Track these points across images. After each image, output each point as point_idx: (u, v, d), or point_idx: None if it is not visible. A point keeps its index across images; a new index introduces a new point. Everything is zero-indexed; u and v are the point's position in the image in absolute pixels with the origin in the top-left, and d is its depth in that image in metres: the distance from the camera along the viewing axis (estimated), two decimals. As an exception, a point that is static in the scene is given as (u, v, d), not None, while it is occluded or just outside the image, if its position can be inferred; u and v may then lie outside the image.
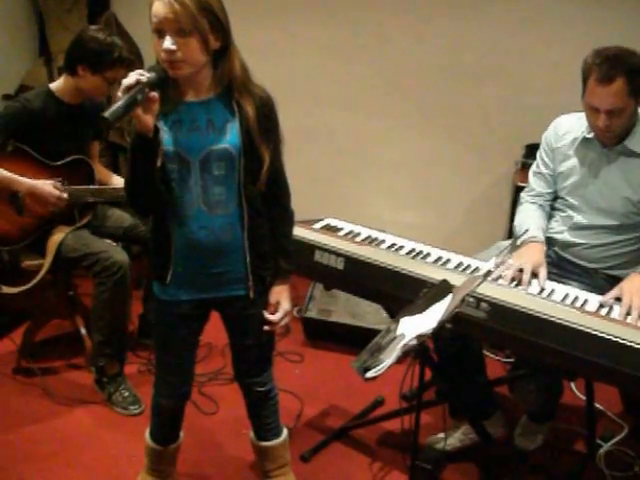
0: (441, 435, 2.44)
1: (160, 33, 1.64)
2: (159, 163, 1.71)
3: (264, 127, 1.78)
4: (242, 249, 1.84)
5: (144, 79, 1.60)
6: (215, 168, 1.76)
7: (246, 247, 1.84)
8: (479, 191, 3.56)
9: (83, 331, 2.94)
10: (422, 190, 3.81)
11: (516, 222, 2.42)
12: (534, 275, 2.11)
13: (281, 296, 1.95)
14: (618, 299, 1.99)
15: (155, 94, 1.63)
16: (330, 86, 3.81)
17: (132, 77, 1.60)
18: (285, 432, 2.19)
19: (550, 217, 2.43)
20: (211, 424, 2.64)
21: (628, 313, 1.93)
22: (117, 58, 2.58)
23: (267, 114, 1.80)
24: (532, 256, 2.17)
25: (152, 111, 1.64)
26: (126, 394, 2.72)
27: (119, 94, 1.58)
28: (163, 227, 1.83)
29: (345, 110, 3.81)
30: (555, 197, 2.41)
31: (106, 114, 1.55)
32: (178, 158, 1.74)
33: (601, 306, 1.98)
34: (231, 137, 1.75)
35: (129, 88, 1.58)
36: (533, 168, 2.48)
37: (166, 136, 1.73)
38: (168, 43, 1.63)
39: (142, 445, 2.15)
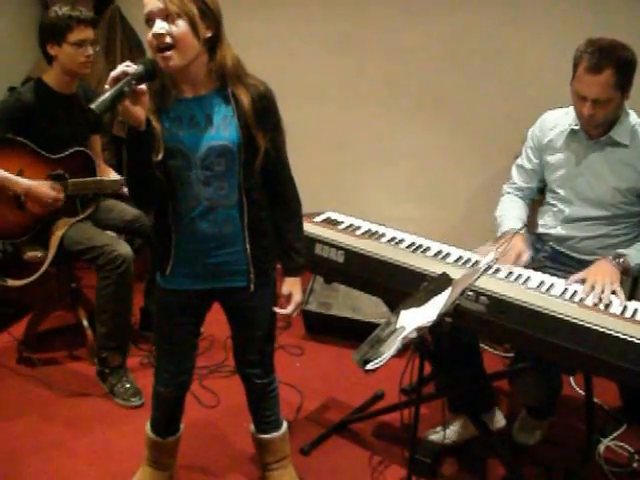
0: (440, 429, 2.45)
1: (151, 23, 1.65)
2: (159, 157, 1.71)
3: (261, 118, 1.77)
4: (242, 241, 1.86)
5: (131, 70, 1.60)
6: (216, 164, 1.77)
7: (246, 239, 1.85)
8: (479, 185, 3.56)
9: (85, 323, 2.96)
10: (422, 184, 3.81)
11: (497, 213, 2.48)
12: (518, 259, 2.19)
13: (293, 288, 1.96)
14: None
15: (143, 87, 1.62)
16: (330, 80, 3.80)
17: (119, 69, 1.60)
18: (285, 425, 2.20)
19: (543, 213, 2.47)
20: (212, 417, 2.65)
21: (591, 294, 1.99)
22: (68, 17, 2.56)
23: (266, 106, 1.79)
24: (513, 244, 2.21)
25: (141, 103, 1.64)
26: (128, 386, 2.74)
27: (106, 86, 1.58)
28: (164, 221, 1.84)
29: (345, 104, 3.80)
30: (540, 190, 2.47)
31: (93, 106, 1.54)
32: (179, 154, 1.75)
33: (564, 290, 2.02)
34: (230, 133, 1.76)
35: (116, 80, 1.59)
36: (517, 161, 2.53)
37: (167, 133, 1.74)
38: (157, 27, 1.63)
39: (142, 438, 2.16)
